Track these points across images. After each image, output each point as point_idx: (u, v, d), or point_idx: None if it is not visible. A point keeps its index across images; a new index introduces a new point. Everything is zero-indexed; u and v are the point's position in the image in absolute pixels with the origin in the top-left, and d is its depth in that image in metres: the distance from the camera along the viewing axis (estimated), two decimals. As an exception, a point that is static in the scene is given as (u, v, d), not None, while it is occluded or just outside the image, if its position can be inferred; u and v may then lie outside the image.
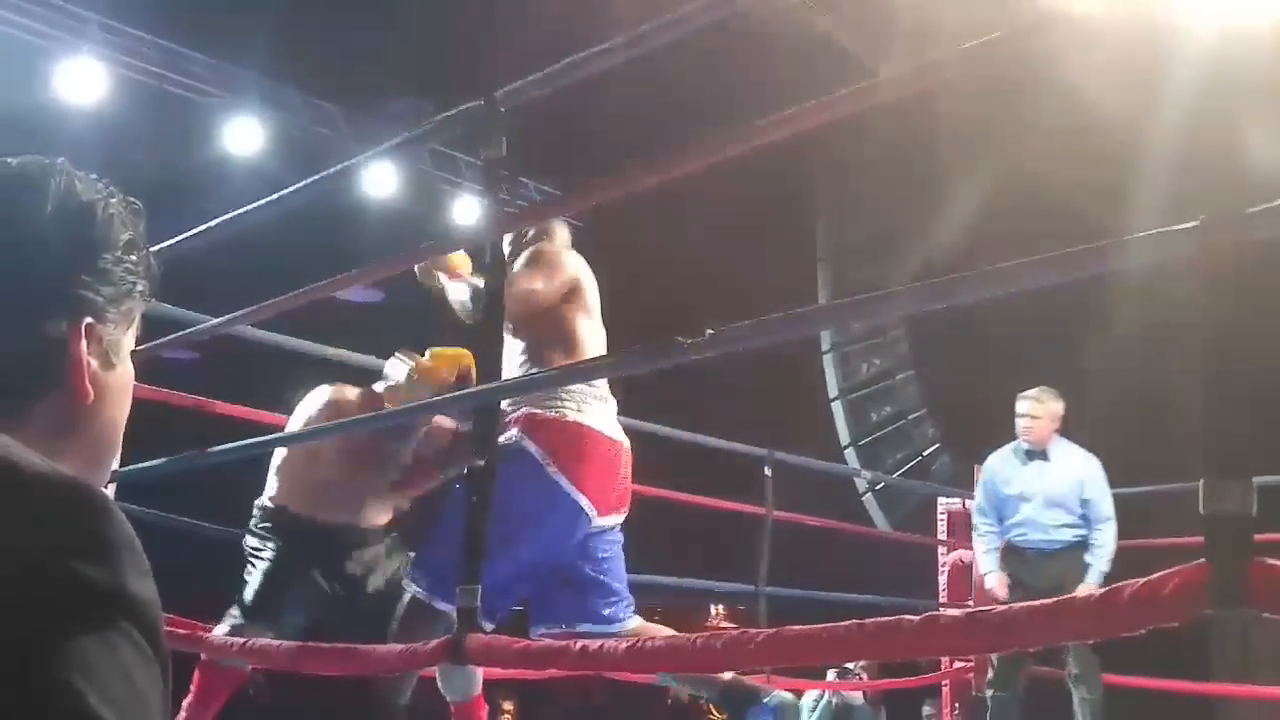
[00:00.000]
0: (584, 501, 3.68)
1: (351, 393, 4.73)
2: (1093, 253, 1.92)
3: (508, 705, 12.87)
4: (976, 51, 2.17)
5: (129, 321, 1.18)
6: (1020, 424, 6.63)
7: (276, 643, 3.93)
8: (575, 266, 3.96)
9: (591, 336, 3.89)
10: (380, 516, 4.79)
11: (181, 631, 3.82)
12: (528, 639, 3.45)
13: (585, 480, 3.69)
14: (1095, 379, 10.15)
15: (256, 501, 4.72)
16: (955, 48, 2.20)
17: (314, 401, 4.70)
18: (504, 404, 3.65)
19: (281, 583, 4.54)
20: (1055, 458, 6.60)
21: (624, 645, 2.62)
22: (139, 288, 1.19)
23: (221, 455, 3.70)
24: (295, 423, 4.69)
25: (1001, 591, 6.44)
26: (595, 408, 3.76)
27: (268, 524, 4.64)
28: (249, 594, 4.54)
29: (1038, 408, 6.60)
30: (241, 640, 3.70)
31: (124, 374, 1.19)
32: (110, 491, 4.17)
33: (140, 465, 3.92)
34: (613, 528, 3.84)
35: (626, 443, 3.87)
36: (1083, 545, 6.43)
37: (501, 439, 3.53)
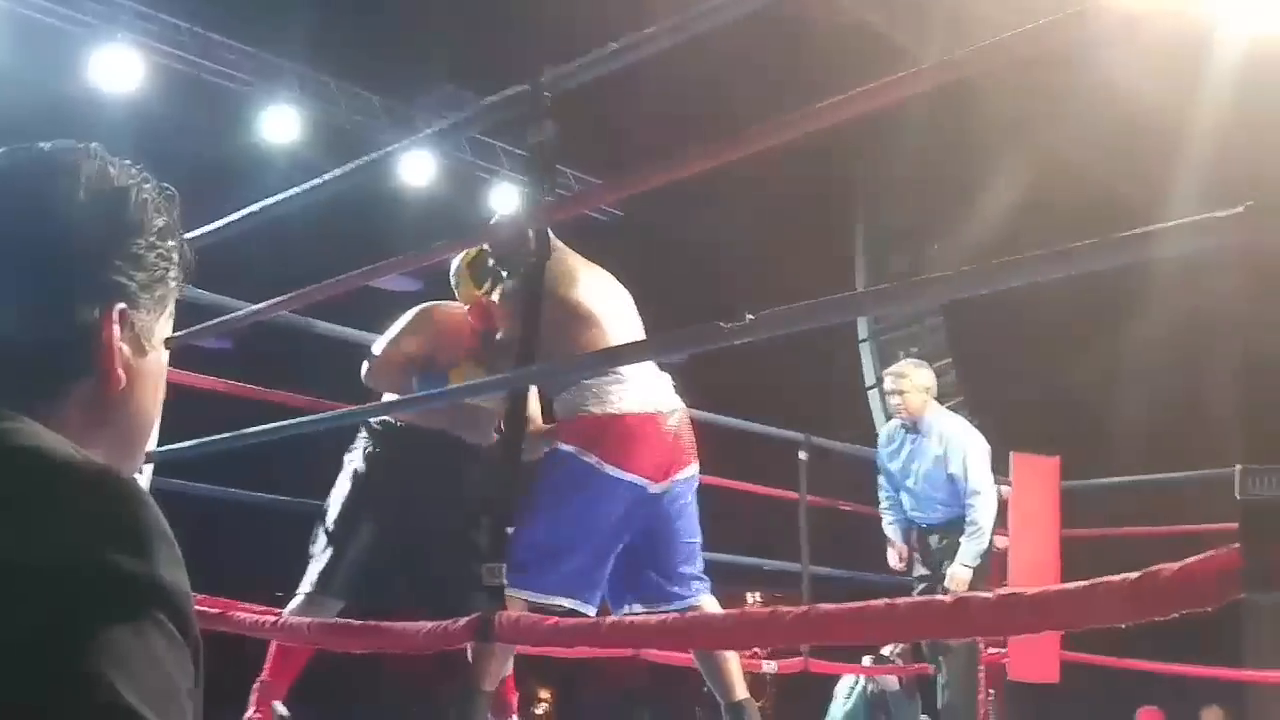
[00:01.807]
0: (629, 476, 3.94)
1: (446, 309, 4.75)
2: (1134, 239, 1.90)
3: (544, 693, 12.90)
4: (1015, 40, 2.16)
5: (162, 308, 1.17)
6: (890, 401, 6.59)
7: (306, 620, 3.95)
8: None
9: (590, 329, 4.06)
10: (480, 433, 4.76)
11: (213, 610, 3.82)
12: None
13: (623, 458, 3.93)
14: (1132, 368, 10.09)
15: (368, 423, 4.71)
16: (994, 36, 2.19)
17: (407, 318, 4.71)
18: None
19: (374, 479, 4.56)
20: (928, 431, 6.50)
21: (654, 621, 2.63)
22: (172, 274, 1.18)
23: (263, 436, 3.72)
24: (387, 333, 4.69)
25: (895, 564, 6.59)
26: (618, 393, 3.97)
27: (369, 434, 4.65)
28: (338, 497, 4.56)
29: (902, 382, 6.52)
30: (273, 619, 3.71)
31: (157, 361, 1.18)
32: (147, 473, 4.20)
33: (180, 445, 3.94)
34: (671, 487, 4.05)
35: (666, 407, 4.07)
36: (962, 522, 6.35)
37: (556, 447, 3.98)
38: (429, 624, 3.15)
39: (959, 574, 6.15)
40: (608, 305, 4.15)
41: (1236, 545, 1.58)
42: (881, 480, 6.75)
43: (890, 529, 6.66)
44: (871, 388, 13.72)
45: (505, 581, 3.84)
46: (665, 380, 4.15)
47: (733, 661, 4.11)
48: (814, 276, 11.51)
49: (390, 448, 4.58)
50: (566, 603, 3.82)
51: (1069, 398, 11.04)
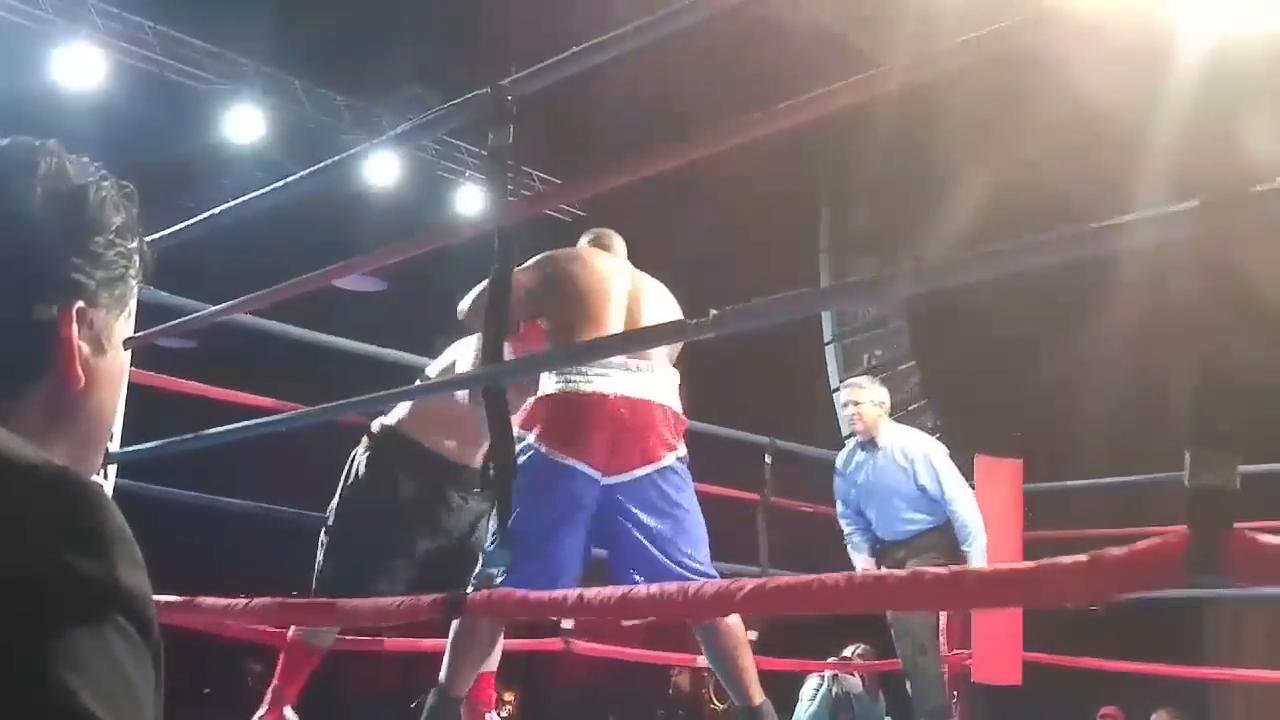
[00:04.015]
0: (571, 462, 3.85)
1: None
2: (1093, 233, 1.93)
3: (509, 696, 12.87)
4: (978, 43, 2.17)
5: (121, 307, 1.16)
6: (844, 415, 6.51)
7: (277, 600, 3.92)
8: (558, 269, 4.13)
9: (584, 324, 4.00)
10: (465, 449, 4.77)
11: (179, 599, 3.78)
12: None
13: (565, 443, 3.86)
14: (1095, 371, 10.15)
15: (370, 425, 4.74)
16: (957, 39, 2.20)
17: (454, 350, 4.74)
18: None
19: (375, 494, 4.58)
20: (886, 446, 6.42)
21: (618, 594, 2.61)
22: (132, 272, 1.17)
23: (225, 436, 3.69)
24: (436, 365, 4.76)
25: (863, 567, 6.43)
26: (587, 378, 3.89)
27: (375, 444, 4.67)
28: (345, 506, 4.61)
29: (858, 394, 6.44)
30: (242, 602, 3.68)
31: (116, 360, 1.17)
32: (110, 474, 4.17)
33: (141, 446, 3.92)
34: (636, 481, 3.92)
35: (626, 392, 3.92)
36: (939, 530, 6.30)
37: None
38: (399, 599, 3.14)
39: None
40: (613, 302, 4.09)
41: (1184, 529, 1.61)
42: (840, 505, 6.67)
43: (856, 550, 6.58)
44: (837, 390, 13.80)
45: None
46: (657, 374, 4.01)
47: (748, 664, 3.99)
48: (778, 278, 11.54)
49: (390, 454, 4.62)
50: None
51: (1032, 401, 11.11)
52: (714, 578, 3.90)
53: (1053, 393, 10.75)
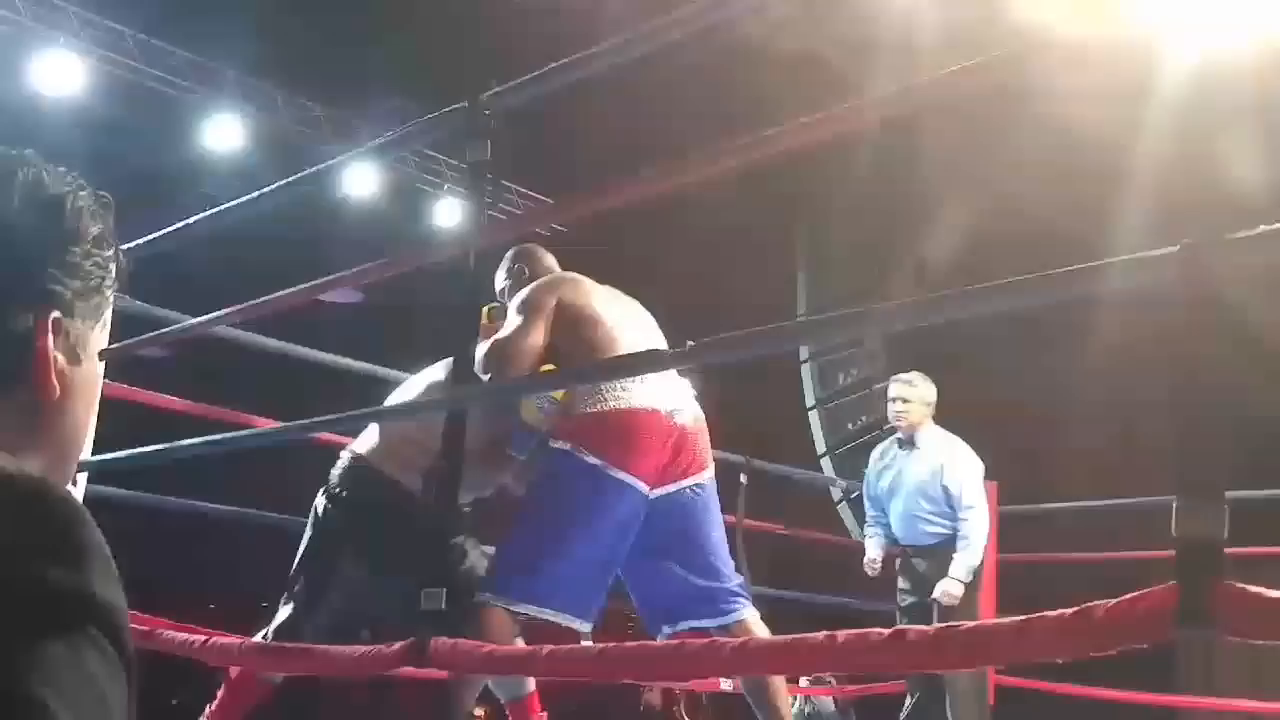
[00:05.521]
0: (629, 479, 3.72)
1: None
2: (1072, 276, 1.92)
3: (480, 711, 12.82)
4: (961, 75, 2.17)
5: (97, 317, 1.15)
6: (891, 409, 6.36)
7: (238, 641, 3.88)
8: (554, 294, 3.96)
9: (605, 343, 3.87)
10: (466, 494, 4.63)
11: (142, 628, 3.76)
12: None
13: (624, 456, 3.72)
14: (1072, 395, 10.17)
15: (343, 451, 4.48)
16: (941, 70, 2.20)
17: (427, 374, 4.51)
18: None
19: (345, 538, 4.34)
20: (923, 445, 6.31)
21: (594, 651, 2.61)
22: (108, 283, 1.16)
23: (197, 449, 3.67)
24: (410, 388, 4.51)
25: (874, 554, 6.36)
26: (632, 390, 3.77)
27: (349, 477, 4.40)
28: (310, 546, 4.37)
29: (909, 390, 6.31)
30: (203, 638, 3.64)
31: (91, 370, 1.16)
32: (82, 482, 4.15)
33: (113, 455, 3.89)
34: (677, 494, 3.84)
35: (670, 406, 3.84)
36: (952, 545, 6.15)
37: (550, 445, 3.77)
38: (363, 648, 3.09)
39: (950, 588, 5.91)
40: (614, 310, 4.00)
41: (1173, 582, 1.60)
42: (867, 503, 6.57)
43: (870, 541, 6.46)
44: (812, 408, 13.80)
45: (488, 593, 3.66)
46: (679, 382, 3.97)
47: (783, 697, 3.94)
48: (757, 295, 11.56)
49: (362, 494, 4.47)
50: (556, 617, 3.66)
51: (1008, 424, 11.13)
52: (739, 596, 3.90)
53: (1031, 415, 10.78)
